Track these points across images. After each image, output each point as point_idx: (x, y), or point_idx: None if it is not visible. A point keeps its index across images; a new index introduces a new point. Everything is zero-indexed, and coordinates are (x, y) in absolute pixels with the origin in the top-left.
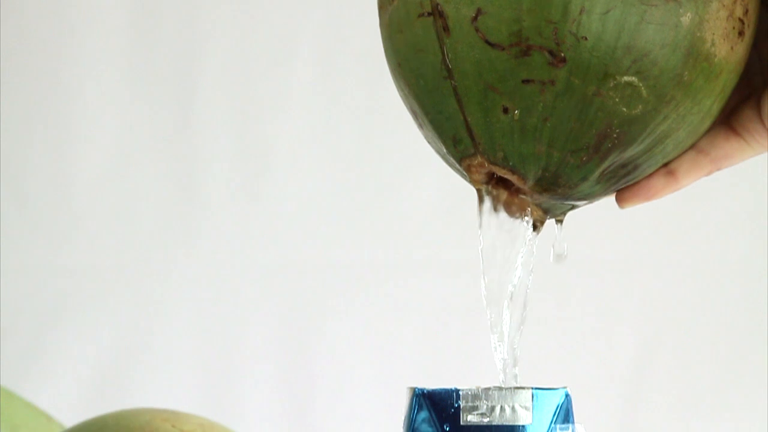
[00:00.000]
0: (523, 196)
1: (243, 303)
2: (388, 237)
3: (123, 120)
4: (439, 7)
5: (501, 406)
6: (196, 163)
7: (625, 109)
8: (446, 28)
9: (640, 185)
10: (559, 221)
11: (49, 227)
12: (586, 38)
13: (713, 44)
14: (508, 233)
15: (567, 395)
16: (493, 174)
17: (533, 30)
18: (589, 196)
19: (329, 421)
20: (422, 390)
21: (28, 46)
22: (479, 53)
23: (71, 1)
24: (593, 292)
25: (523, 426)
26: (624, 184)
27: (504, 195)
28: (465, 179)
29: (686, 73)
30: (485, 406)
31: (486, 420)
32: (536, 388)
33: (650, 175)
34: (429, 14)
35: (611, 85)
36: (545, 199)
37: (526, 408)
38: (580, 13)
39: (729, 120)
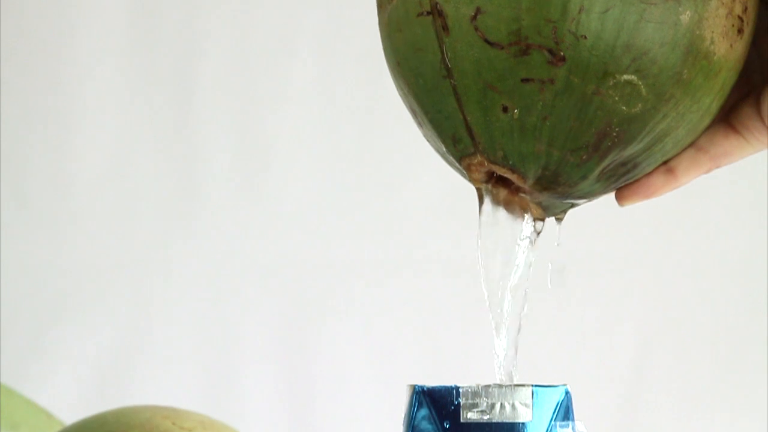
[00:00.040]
0: (523, 195)
1: (243, 302)
2: (387, 236)
3: (123, 119)
4: (438, 6)
5: (501, 404)
6: (196, 162)
7: (624, 108)
8: (445, 27)
9: (639, 183)
10: (559, 219)
11: (49, 226)
12: (585, 37)
13: (712, 42)
14: (508, 232)
15: (567, 392)
16: (493, 173)
17: (532, 29)
18: (589, 195)
19: (329, 419)
20: (422, 387)
21: (28, 46)
22: (478, 52)
23: (71, 1)
24: (593, 290)
25: (523, 423)
26: (624, 182)
27: (504, 194)
28: (465, 178)
29: (685, 71)
30: (485, 404)
31: (486, 417)
32: (536, 386)
33: (650, 173)
34: (428, 13)
35: (611, 83)
36: (545, 198)
37: (526, 405)
38: (579, 11)
39: (728, 117)
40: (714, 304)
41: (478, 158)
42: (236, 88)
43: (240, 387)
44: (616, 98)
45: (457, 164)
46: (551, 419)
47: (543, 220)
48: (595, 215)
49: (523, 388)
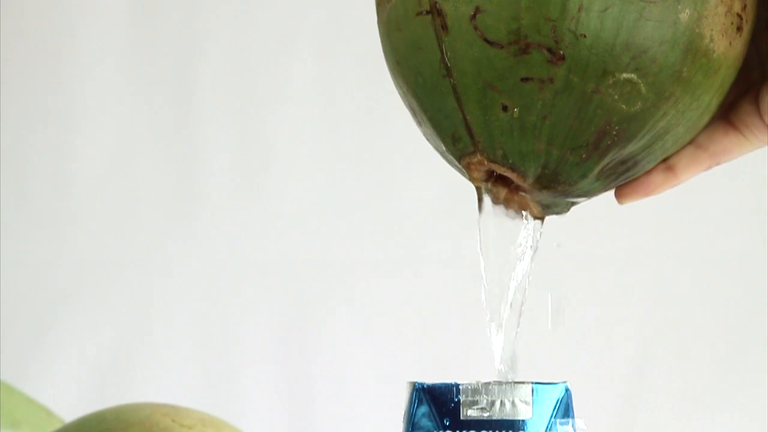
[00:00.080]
0: (523, 194)
1: (243, 301)
2: (387, 235)
3: (123, 119)
4: (437, 5)
5: (501, 401)
6: (196, 161)
7: (624, 106)
8: (445, 27)
9: (639, 181)
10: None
11: (49, 225)
12: (584, 36)
13: (712, 40)
14: (507, 230)
15: (567, 390)
16: (493, 172)
17: (532, 28)
18: (589, 193)
19: (329, 418)
20: (422, 384)
21: (28, 46)
22: (478, 51)
23: (71, 1)
24: (593, 289)
25: (523, 420)
26: (623, 180)
27: (503, 192)
28: (464, 177)
29: (685, 69)
30: (485, 401)
31: (486, 414)
32: (536, 383)
33: (649, 171)
34: (427, 12)
35: (610, 82)
36: (545, 197)
37: (526, 402)
38: (579, 10)
39: (727, 115)
40: (714, 304)
41: (478, 157)
42: (236, 88)
43: (240, 387)
44: (616, 97)
45: (456, 163)
46: (551, 416)
47: (543, 218)
48: (595, 215)
49: (523, 385)
